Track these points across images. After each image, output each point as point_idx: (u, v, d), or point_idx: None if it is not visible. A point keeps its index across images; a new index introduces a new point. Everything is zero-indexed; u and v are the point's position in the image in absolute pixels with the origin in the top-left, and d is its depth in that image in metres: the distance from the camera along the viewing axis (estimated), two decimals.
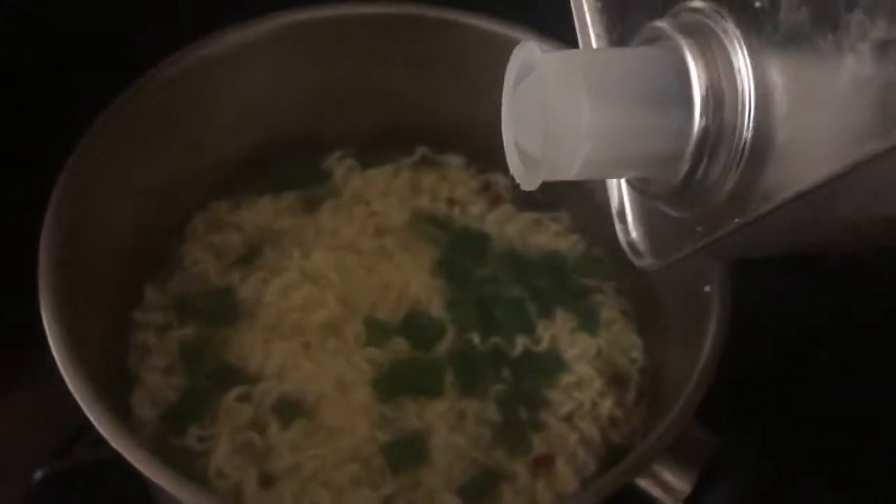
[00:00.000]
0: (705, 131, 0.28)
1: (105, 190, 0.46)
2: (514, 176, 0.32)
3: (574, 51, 0.34)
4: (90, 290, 0.44)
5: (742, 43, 0.28)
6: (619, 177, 0.35)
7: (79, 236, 0.43)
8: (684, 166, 0.29)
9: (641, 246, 0.35)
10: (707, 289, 0.41)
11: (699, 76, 0.28)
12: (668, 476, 0.37)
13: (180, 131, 0.50)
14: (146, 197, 0.49)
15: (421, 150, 0.57)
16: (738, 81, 0.27)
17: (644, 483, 0.37)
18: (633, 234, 0.36)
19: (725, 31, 0.28)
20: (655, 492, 0.37)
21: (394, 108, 0.56)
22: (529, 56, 0.30)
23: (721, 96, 0.28)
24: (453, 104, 0.55)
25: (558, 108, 0.28)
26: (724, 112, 0.28)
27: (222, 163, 0.53)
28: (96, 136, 0.44)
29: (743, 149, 0.28)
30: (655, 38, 0.30)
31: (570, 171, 0.29)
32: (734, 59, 0.28)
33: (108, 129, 0.45)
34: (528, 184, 0.31)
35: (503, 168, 0.55)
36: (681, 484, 0.37)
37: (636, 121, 0.29)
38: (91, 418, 0.36)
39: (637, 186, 0.33)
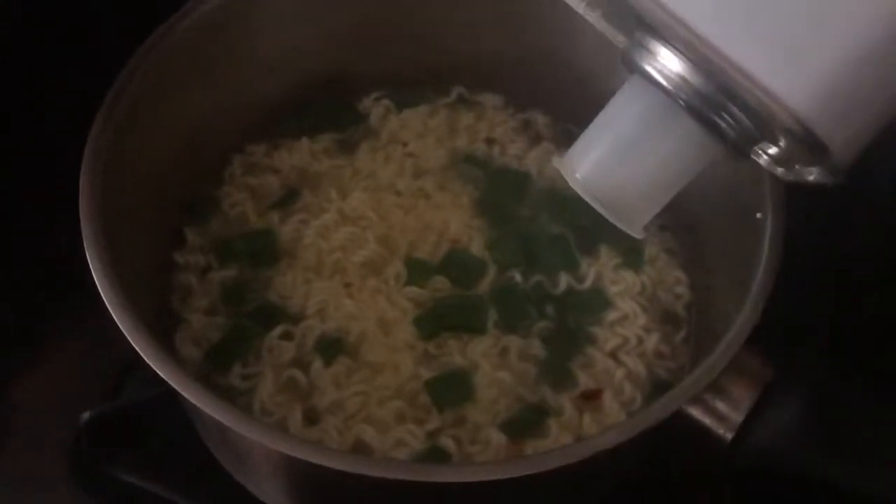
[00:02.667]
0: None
1: (142, 131, 0.45)
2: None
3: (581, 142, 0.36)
4: (132, 232, 0.44)
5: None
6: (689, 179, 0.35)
7: (118, 179, 0.43)
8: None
9: None
10: (758, 215, 0.40)
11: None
12: (720, 405, 0.36)
13: (216, 71, 0.49)
14: (183, 139, 0.49)
15: (457, 90, 0.56)
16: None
17: (696, 412, 0.36)
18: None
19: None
20: (707, 420, 0.36)
21: (429, 48, 0.55)
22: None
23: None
24: (490, 43, 0.54)
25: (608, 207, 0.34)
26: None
27: (259, 105, 0.53)
28: (132, 74, 0.44)
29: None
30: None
31: (647, 216, 0.35)
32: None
33: (144, 68, 0.45)
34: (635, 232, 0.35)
35: (542, 106, 0.56)
36: (733, 413, 0.36)
37: (660, 154, 0.32)
38: (141, 353, 0.36)
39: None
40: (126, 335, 0.36)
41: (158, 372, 0.35)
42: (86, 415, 0.48)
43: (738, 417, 0.36)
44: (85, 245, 0.38)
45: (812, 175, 0.31)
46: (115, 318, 0.37)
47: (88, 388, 0.51)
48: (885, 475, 0.34)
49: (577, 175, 0.34)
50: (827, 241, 0.46)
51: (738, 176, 0.43)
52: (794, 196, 0.40)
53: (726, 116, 0.30)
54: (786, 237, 0.39)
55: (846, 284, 0.46)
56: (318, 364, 0.45)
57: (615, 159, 0.34)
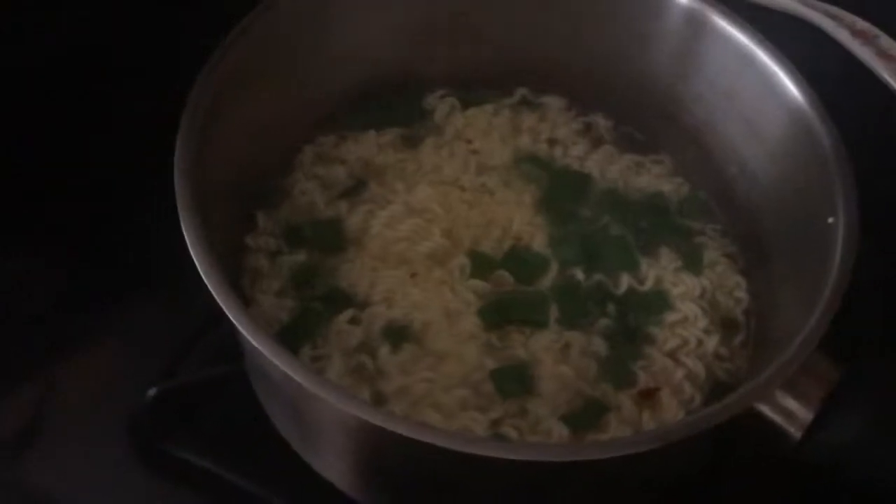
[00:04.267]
0: None
1: (223, 123, 0.46)
2: None
3: None
4: (212, 215, 0.45)
5: None
6: None
7: (203, 165, 0.44)
8: None
9: None
10: (830, 220, 0.41)
11: None
12: (791, 403, 0.37)
13: (290, 66, 0.51)
14: (258, 129, 0.50)
15: (521, 91, 0.57)
16: None
17: (766, 409, 0.37)
18: None
19: None
20: (777, 418, 0.37)
21: (494, 49, 0.56)
22: None
23: None
24: (554, 45, 0.55)
25: None
26: None
27: (329, 99, 0.54)
28: (214, 70, 0.45)
29: None
30: None
31: None
32: None
33: (225, 64, 0.46)
34: None
35: (603, 109, 0.57)
36: (803, 412, 0.37)
37: None
38: (230, 315, 0.37)
39: None
40: (215, 297, 0.37)
41: (245, 333, 0.36)
42: (152, 391, 0.49)
43: (808, 416, 0.37)
44: (180, 216, 0.39)
45: None
46: (205, 280, 0.37)
47: (150, 365, 0.51)
48: None
49: None
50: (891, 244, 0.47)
51: (808, 181, 0.44)
52: (865, 200, 0.41)
53: None
54: (858, 242, 0.39)
55: None
56: (384, 350, 0.46)
57: None
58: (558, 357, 0.46)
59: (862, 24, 0.59)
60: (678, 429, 0.35)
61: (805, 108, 0.44)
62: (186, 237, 0.39)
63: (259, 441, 0.47)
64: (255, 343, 0.37)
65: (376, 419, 0.35)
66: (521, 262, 0.50)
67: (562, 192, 0.53)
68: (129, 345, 0.53)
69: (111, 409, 0.51)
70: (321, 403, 0.37)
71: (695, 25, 0.49)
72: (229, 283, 0.38)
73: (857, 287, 0.40)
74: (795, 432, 0.37)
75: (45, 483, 0.49)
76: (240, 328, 0.37)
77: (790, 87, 0.45)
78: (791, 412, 0.37)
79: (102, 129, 0.57)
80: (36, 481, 0.49)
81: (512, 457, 0.34)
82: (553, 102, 0.57)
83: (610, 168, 0.54)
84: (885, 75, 0.56)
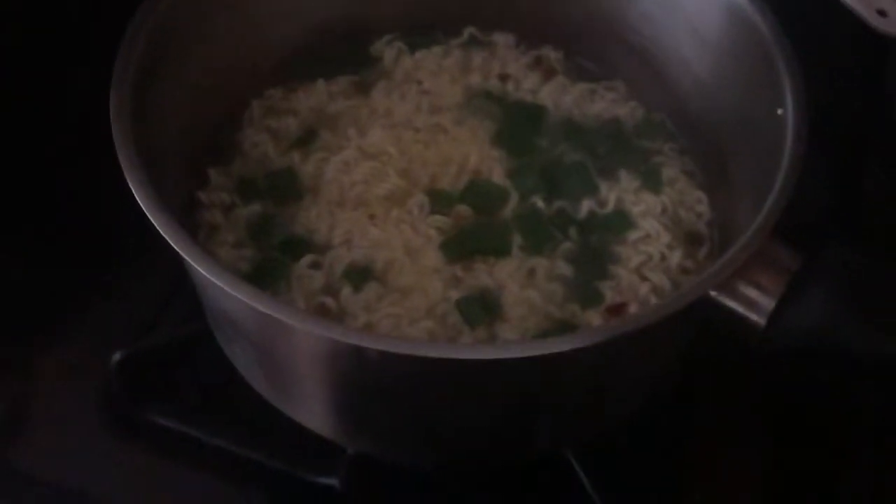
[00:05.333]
0: None
1: (161, 75, 0.45)
2: None
3: None
4: (159, 173, 0.44)
5: None
6: None
7: (143, 121, 0.43)
8: None
9: None
10: (779, 111, 0.40)
11: None
12: (753, 293, 0.37)
13: (232, 16, 0.50)
14: (202, 84, 0.49)
15: (469, 31, 0.56)
16: None
17: (729, 301, 0.37)
18: None
19: None
20: (740, 308, 0.37)
21: None
22: None
23: None
24: None
25: None
26: None
27: (275, 50, 0.53)
28: (152, 10, 0.44)
29: None
30: None
31: None
32: None
33: (164, 7, 0.45)
34: None
35: (553, 42, 0.56)
36: (765, 299, 0.37)
37: None
38: (185, 256, 0.36)
39: None
40: (172, 244, 0.36)
41: (205, 273, 0.35)
42: (116, 356, 0.49)
43: (770, 303, 0.36)
44: (124, 169, 0.39)
45: None
46: (158, 227, 0.37)
47: (118, 331, 0.51)
48: None
49: None
50: (842, 148, 0.47)
51: (755, 78, 0.43)
52: (813, 91, 0.40)
53: None
54: (807, 127, 0.39)
55: (864, 184, 0.47)
56: (347, 290, 0.45)
57: None
58: (524, 283, 0.46)
59: None
60: (635, 318, 0.34)
61: (744, 4, 0.44)
62: (134, 190, 0.38)
63: (235, 399, 0.47)
64: (210, 276, 0.36)
65: (346, 337, 0.34)
66: (480, 194, 0.49)
67: (517, 125, 0.52)
68: (99, 316, 0.53)
69: (84, 382, 0.50)
70: (285, 333, 0.36)
71: None
72: (179, 225, 0.38)
73: (813, 184, 0.40)
74: (759, 320, 0.36)
75: (25, 466, 0.48)
76: (196, 267, 0.36)
77: None
78: (753, 301, 0.37)
79: (48, 100, 0.56)
80: (16, 466, 0.48)
81: (490, 356, 0.33)
82: (502, 39, 0.56)
83: (564, 98, 0.54)
84: None
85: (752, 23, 0.44)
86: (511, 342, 0.39)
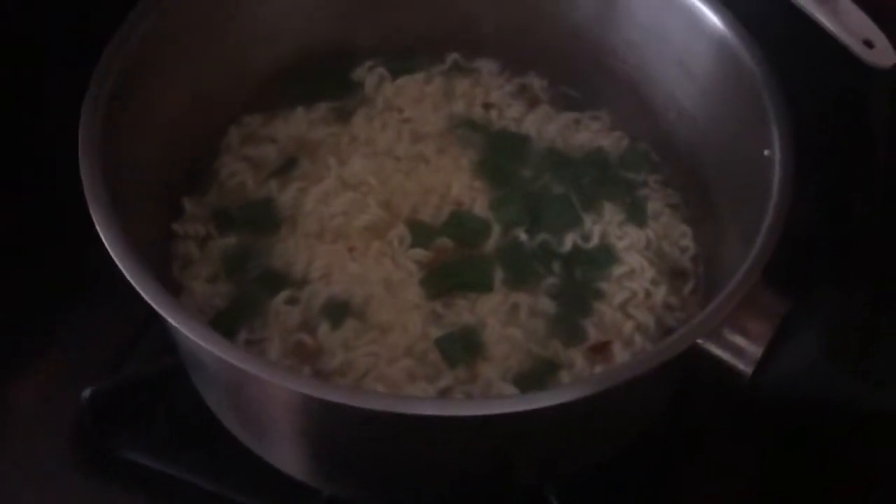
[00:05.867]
0: None
1: (137, 102, 0.44)
2: None
3: None
4: (132, 202, 0.42)
5: None
6: None
7: (116, 150, 0.42)
8: None
9: None
10: (766, 153, 0.40)
11: None
12: (739, 340, 0.36)
13: (212, 41, 0.49)
14: (180, 110, 0.48)
15: (452, 57, 0.55)
16: None
17: (715, 348, 0.36)
18: None
19: None
20: (727, 356, 0.36)
21: (421, 15, 0.55)
22: None
23: None
24: (482, 8, 0.54)
25: None
26: None
27: (254, 76, 0.52)
28: (124, 41, 0.43)
29: None
30: None
31: None
32: None
33: (138, 35, 0.44)
34: None
35: (537, 69, 0.55)
36: (752, 347, 0.36)
37: None
38: (155, 306, 0.35)
39: None
40: (138, 289, 0.35)
41: (173, 322, 0.34)
42: (87, 392, 0.47)
43: (757, 351, 0.36)
44: (89, 206, 0.37)
45: None
46: (124, 271, 0.36)
47: (89, 366, 0.49)
48: None
49: None
50: (831, 180, 0.46)
51: (742, 115, 0.43)
52: (802, 133, 0.40)
53: None
54: (795, 169, 0.38)
55: (855, 218, 0.47)
56: (325, 327, 0.44)
57: None
58: (506, 319, 0.45)
59: None
60: (621, 371, 0.34)
61: (731, 38, 0.44)
62: (101, 234, 0.37)
63: (207, 435, 0.46)
64: (182, 329, 0.35)
65: (315, 391, 0.33)
66: (461, 226, 0.48)
67: (500, 154, 0.51)
68: (70, 351, 0.51)
69: (55, 417, 0.49)
70: (255, 383, 0.35)
71: None
72: (153, 274, 0.36)
73: (799, 219, 0.39)
74: (746, 368, 0.36)
75: None
76: (164, 315, 0.35)
77: (714, 19, 0.44)
78: (740, 348, 0.36)
79: (22, 128, 0.54)
80: None
81: (457, 413, 0.32)
82: (486, 66, 0.55)
83: (548, 127, 0.53)
84: (815, 11, 0.56)
85: (740, 59, 0.43)
86: (487, 400, 0.38)
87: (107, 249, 0.37)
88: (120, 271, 0.37)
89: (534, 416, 0.33)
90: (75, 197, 0.39)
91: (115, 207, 0.38)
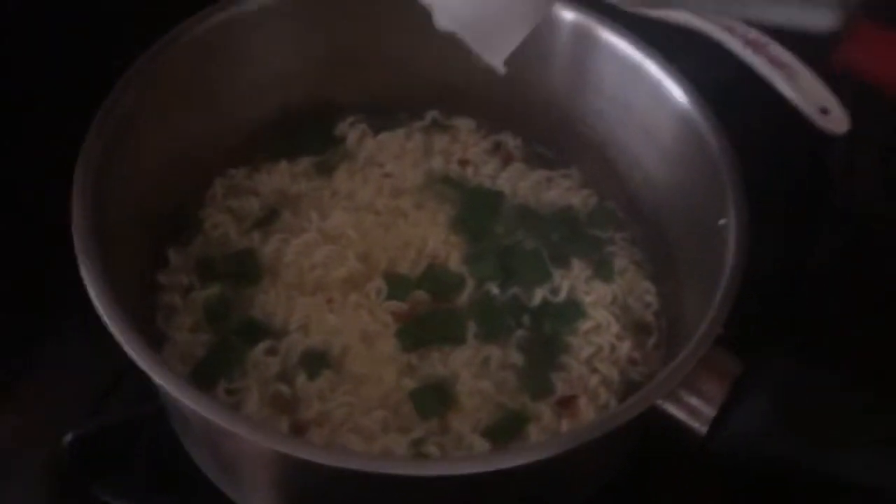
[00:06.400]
0: None
1: (128, 153, 0.46)
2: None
3: None
4: (118, 251, 0.44)
5: None
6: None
7: (106, 198, 0.43)
8: None
9: None
10: (722, 221, 0.42)
11: None
12: (694, 401, 0.38)
13: (200, 95, 0.51)
14: (167, 161, 0.50)
15: (431, 114, 0.58)
16: None
17: (671, 408, 0.38)
18: None
19: None
20: (682, 415, 0.38)
21: (403, 75, 0.57)
22: None
23: None
24: (458, 70, 0.56)
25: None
26: None
27: (240, 129, 0.54)
28: (121, 96, 0.45)
29: None
30: None
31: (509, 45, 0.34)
32: None
33: (133, 90, 0.46)
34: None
35: (513, 128, 0.58)
36: (706, 407, 0.38)
37: None
38: (137, 360, 0.37)
39: None
40: (121, 342, 0.37)
41: (154, 377, 0.36)
42: (68, 436, 0.48)
43: (711, 412, 0.38)
44: (78, 257, 0.39)
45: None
46: (108, 325, 0.37)
47: (69, 410, 0.50)
48: (852, 457, 0.37)
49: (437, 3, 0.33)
50: (787, 242, 0.49)
51: (702, 185, 0.45)
52: (754, 201, 0.42)
53: None
54: (749, 239, 0.41)
55: (808, 281, 0.49)
56: (302, 378, 0.46)
57: None
58: (477, 372, 0.47)
59: (754, 34, 0.62)
60: (585, 431, 0.36)
61: (694, 114, 0.46)
62: (88, 287, 0.39)
63: (186, 481, 0.47)
64: (162, 383, 0.37)
65: (292, 450, 0.35)
66: (437, 280, 0.50)
67: (475, 210, 0.54)
68: (50, 392, 0.52)
69: (34, 461, 0.50)
70: (233, 437, 0.36)
71: (584, 41, 0.50)
72: (135, 326, 0.38)
73: (756, 282, 0.42)
74: (700, 428, 0.38)
75: None
76: (146, 370, 0.37)
77: (678, 94, 0.47)
78: (695, 408, 0.38)
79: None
80: None
81: (422, 473, 0.34)
82: (463, 124, 0.58)
83: (521, 184, 0.55)
84: (775, 81, 0.59)
85: (701, 132, 0.46)
86: (457, 461, 0.40)
87: (90, 295, 0.39)
88: (99, 318, 0.38)
89: (502, 472, 0.35)
90: (56, 243, 0.40)
91: (104, 261, 0.39)
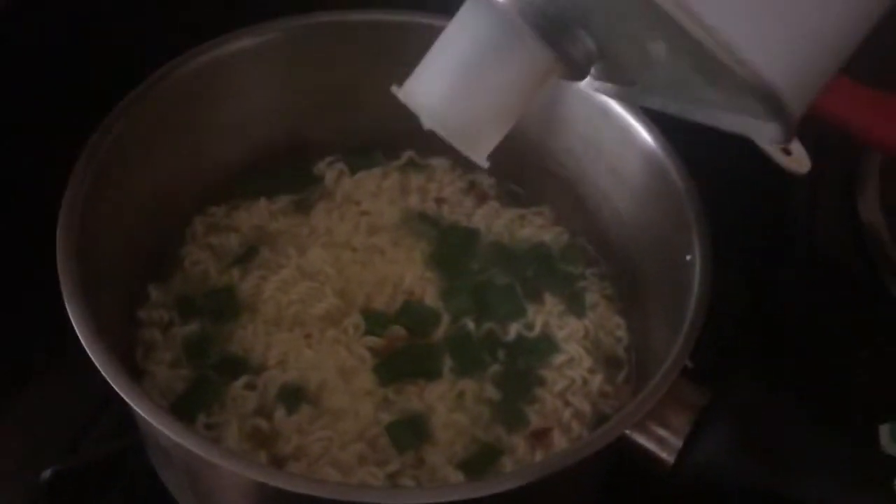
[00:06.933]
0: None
1: (112, 192, 0.47)
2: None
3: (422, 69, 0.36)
4: (101, 287, 0.45)
5: None
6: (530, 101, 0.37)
7: (91, 237, 0.44)
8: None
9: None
10: (688, 258, 0.44)
11: None
12: (662, 431, 0.39)
13: (182, 135, 0.52)
14: (149, 199, 0.51)
15: (408, 154, 0.59)
16: None
17: (639, 438, 0.39)
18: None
19: None
20: (651, 446, 0.39)
21: (379, 117, 0.58)
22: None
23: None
24: None
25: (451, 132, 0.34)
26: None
27: (220, 168, 0.55)
28: (103, 137, 0.46)
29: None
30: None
31: (490, 143, 0.36)
32: None
33: (114, 133, 0.47)
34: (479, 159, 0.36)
35: (487, 168, 0.59)
36: (673, 438, 0.39)
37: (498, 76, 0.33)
38: (121, 392, 0.37)
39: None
40: (106, 377, 0.37)
41: (139, 410, 0.37)
42: (46, 472, 0.48)
43: (677, 442, 0.39)
44: (63, 293, 0.40)
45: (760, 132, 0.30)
46: (93, 359, 0.38)
47: (47, 446, 0.51)
48: (817, 483, 0.38)
49: (419, 101, 0.34)
50: (751, 276, 0.51)
51: (668, 224, 0.47)
52: (720, 238, 0.44)
53: (570, 37, 0.31)
54: (713, 275, 0.43)
55: (770, 314, 0.51)
56: (280, 412, 0.46)
57: (454, 83, 0.33)
58: (453, 405, 0.48)
59: None
60: (556, 460, 0.37)
61: (658, 153, 0.48)
62: (73, 322, 0.39)
63: None
64: (143, 414, 0.37)
65: (274, 481, 0.36)
66: (413, 316, 0.51)
67: (451, 247, 0.55)
68: (28, 429, 0.52)
69: (13, 497, 0.50)
70: (213, 469, 0.37)
71: (556, 85, 0.52)
72: (118, 359, 0.39)
73: (723, 315, 0.43)
74: (668, 457, 0.39)
75: None
76: (128, 402, 0.38)
77: (645, 135, 0.49)
78: (663, 438, 0.39)
79: None
80: None
81: (396, 502, 0.35)
82: (438, 163, 0.59)
83: (495, 222, 0.57)
84: None
85: (666, 172, 0.48)
86: (428, 488, 0.41)
87: (68, 332, 0.39)
88: (76, 354, 0.39)
89: (475, 501, 0.36)
90: (33, 276, 0.41)
91: (87, 298, 0.40)
